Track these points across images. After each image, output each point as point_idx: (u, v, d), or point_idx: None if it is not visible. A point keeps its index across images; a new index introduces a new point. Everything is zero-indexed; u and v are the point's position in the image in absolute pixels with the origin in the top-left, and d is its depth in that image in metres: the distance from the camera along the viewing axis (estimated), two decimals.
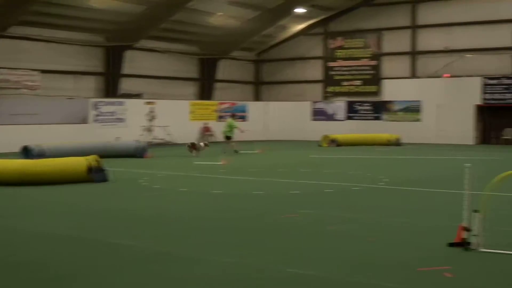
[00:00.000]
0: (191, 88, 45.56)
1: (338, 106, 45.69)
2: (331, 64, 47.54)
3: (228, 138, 32.03)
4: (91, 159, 19.07)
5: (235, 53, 47.44)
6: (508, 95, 39.28)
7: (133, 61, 40.36)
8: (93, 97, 37.57)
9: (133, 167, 24.15)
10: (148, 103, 39.26)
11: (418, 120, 42.17)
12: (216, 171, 22.45)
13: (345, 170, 23.25)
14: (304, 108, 46.66)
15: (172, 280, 8.11)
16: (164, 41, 42.22)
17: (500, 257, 9.17)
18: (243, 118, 43.76)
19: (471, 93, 40.16)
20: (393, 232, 11.27)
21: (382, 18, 45.23)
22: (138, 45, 40.08)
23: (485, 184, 9.80)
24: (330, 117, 45.68)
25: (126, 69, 40.01)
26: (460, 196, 10.78)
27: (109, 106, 37.32)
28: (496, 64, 41.09)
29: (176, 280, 8.12)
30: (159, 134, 38.55)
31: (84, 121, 35.82)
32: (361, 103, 44.89)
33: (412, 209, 14.05)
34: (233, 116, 34.11)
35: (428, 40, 43.80)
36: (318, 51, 48.33)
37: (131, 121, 37.81)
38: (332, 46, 47.49)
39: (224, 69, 47.21)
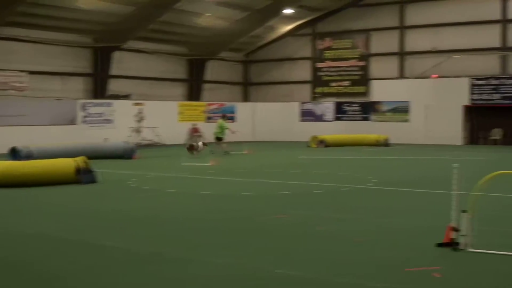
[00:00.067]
0: (180, 89, 45.52)
1: (327, 106, 45.74)
2: (319, 64, 47.60)
3: (219, 139, 31.98)
4: (79, 161, 19.01)
5: (223, 54, 47.43)
6: (495, 96, 39.45)
7: (121, 62, 40.29)
8: (81, 98, 37.49)
9: (121, 168, 24.09)
10: (137, 104, 39.19)
11: (406, 120, 42.27)
12: (205, 172, 22.42)
13: (334, 170, 23.28)
14: (293, 109, 46.70)
15: (164, 280, 8.09)
16: (152, 42, 42.17)
17: (489, 257, 9.20)
18: (231, 119, 43.68)
19: (459, 94, 40.30)
20: (382, 232, 11.29)
21: (370, 19, 45.33)
22: (126, 46, 40.01)
23: (473, 185, 9.84)
24: (318, 118, 45.73)
25: (114, 70, 39.94)
26: (448, 196, 10.81)
27: (97, 107, 37.23)
28: (483, 65, 41.29)
29: (168, 280, 8.11)
30: (147, 135, 38.48)
31: (72, 122, 35.73)
32: (350, 103, 44.96)
33: (401, 210, 14.08)
34: (223, 117, 34.04)
35: (416, 40, 43.94)
36: (306, 51, 48.39)
37: (119, 122, 37.73)
38: (320, 46, 47.55)
39: (212, 70, 47.20)
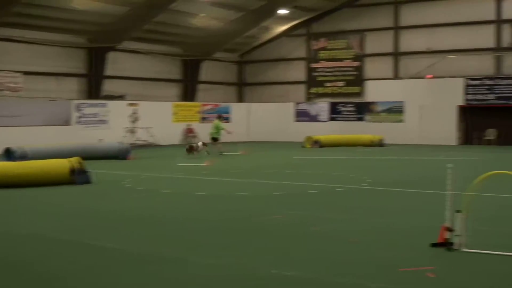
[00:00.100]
0: (174, 90, 45.50)
1: (321, 107, 45.78)
2: (314, 65, 47.62)
3: (214, 139, 31.97)
4: (73, 161, 18.99)
5: (218, 54, 47.43)
6: (490, 96, 39.53)
7: (115, 63, 40.26)
8: (75, 99, 37.45)
9: (116, 169, 24.07)
10: (131, 104, 39.17)
11: (401, 121, 42.33)
12: (199, 173, 22.42)
13: (328, 171, 23.29)
14: (287, 109, 46.72)
15: (164, 281, 8.09)
16: (147, 42, 42.14)
17: (483, 257, 9.22)
18: (226, 119, 43.68)
19: (454, 94, 40.37)
20: (376, 232, 11.30)
21: (365, 19, 45.36)
22: (120, 46, 39.98)
23: (468, 185, 9.86)
24: (313, 118, 45.75)
25: (109, 70, 39.91)
26: (442, 196, 10.83)
27: (91, 107, 37.19)
28: (478, 65, 41.37)
29: (168, 281, 8.11)
30: (142, 136, 38.47)
31: (66, 123, 35.69)
32: (344, 104, 45.00)
33: (395, 210, 14.10)
34: (219, 118, 34.01)
35: (411, 41, 43.99)
36: (301, 52, 48.41)
37: (114, 122, 37.69)
38: (315, 47, 47.56)
39: (207, 70, 47.18)
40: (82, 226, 12.04)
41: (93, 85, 39.13)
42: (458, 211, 9.44)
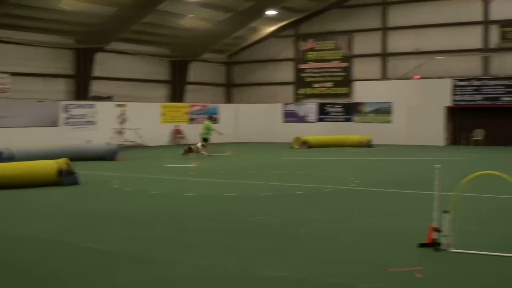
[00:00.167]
0: (162, 91, 45.44)
1: (309, 108, 45.81)
2: (302, 66, 47.67)
3: (205, 140, 31.94)
4: (61, 162, 18.92)
5: (206, 55, 47.40)
6: (477, 97, 39.66)
7: (103, 64, 40.16)
8: (63, 100, 37.32)
9: (104, 170, 24.01)
10: (119, 105, 39.06)
11: (389, 121, 42.42)
12: (187, 174, 22.39)
13: (316, 171, 23.31)
14: (276, 110, 46.73)
15: (157, 281, 8.08)
16: (135, 43, 42.06)
17: (470, 257, 9.25)
18: (215, 120, 43.60)
19: (442, 95, 40.50)
20: (364, 233, 11.31)
21: (353, 20, 45.45)
22: (108, 47, 39.89)
23: (455, 185, 9.89)
24: (301, 119, 45.78)
25: (97, 71, 39.81)
26: (430, 197, 10.85)
27: (79, 108, 37.06)
28: (466, 66, 41.53)
29: (161, 282, 8.08)
30: (130, 137, 38.38)
31: (54, 124, 35.54)
32: (332, 105, 45.05)
33: (384, 210, 14.11)
34: (210, 119, 33.95)
35: (399, 42, 44.11)
36: (289, 53, 48.45)
37: (102, 123, 37.56)
38: (303, 48, 47.61)
39: (195, 71, 47.14)
40: (73, 228, 11.98)
41: (81, 86, 39.02)
42: (445, 212, 9.46)
